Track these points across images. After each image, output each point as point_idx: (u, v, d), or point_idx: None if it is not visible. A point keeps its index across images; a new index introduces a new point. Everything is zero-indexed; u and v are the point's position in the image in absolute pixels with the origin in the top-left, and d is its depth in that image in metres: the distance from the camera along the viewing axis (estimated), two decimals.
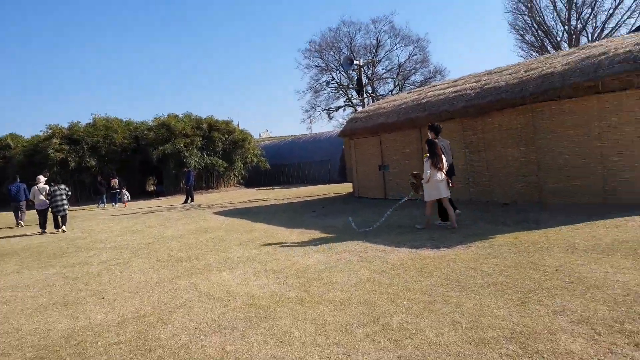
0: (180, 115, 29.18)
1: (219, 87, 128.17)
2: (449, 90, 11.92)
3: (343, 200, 15.48)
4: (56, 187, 13.33)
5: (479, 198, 10.91)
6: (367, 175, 15.00)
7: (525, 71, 9.78)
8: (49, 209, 13.47)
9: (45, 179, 14.68)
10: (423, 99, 12.60)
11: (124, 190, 22.33)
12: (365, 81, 22.06)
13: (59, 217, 13.28)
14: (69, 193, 13.73)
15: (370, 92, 36.49)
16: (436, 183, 8.05)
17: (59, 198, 13.14)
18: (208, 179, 28.48)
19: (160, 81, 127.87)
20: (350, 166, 23.41)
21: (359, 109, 37.80)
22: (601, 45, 8.66)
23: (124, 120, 30.26)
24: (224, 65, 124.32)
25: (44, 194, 13.69)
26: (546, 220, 7.80)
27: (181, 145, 26.24)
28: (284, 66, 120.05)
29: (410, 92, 15.08)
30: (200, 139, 27.63)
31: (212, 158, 27.75)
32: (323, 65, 41.29)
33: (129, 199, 22.80)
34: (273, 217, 12.38)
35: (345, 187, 20.40)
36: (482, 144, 10.66)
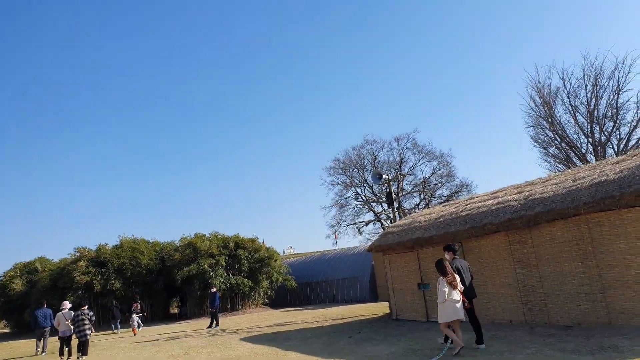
0: (207, 235, 29.05)
1: (244, 205, 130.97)
2: (490, 202, 11.41)
3: (380, 323, 14.28)
4: (79, 312, 13.14)
5: (534, 319, 9.79)
6: (405, 294, 13.97)
7: (573, 180, 9.30)
8: (73, 336, 13.25)
9: (70, 305, 14.36)
10: (462, 211, 12.07)
11: (134, 315, 20.83)
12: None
13: (83, 342, 12.96)
14: (93, 318, 13.49)
15: (396, 206, 36.29)
16: (453, 303, 7.71)
17: (81, 323, 12.91)
18: (233, 300, 27.37)
19: (188, 201, 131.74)
20: (383, 284, 22.29)
21: (387, 223, 37.45)
22: None
23: (151, 241, 30.26)
24: (249, 183, 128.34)
25: (69, 319, 13.34)
26: (628, 348, 6.70)
27: (206, 265, 25.70)
28: (307, 184, 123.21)
29: (446, 205, 14.62)
30: (226, 258, 27.11)
31: (238, 278, 26.92)
32: (347, 181, 41.89)
33: (141, 326, 21.49)
34: (305, 344, 11.29)
35: (379, 307, 19.12)
36: (533, 258, 9.83)
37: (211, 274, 25.63)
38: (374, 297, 25.20)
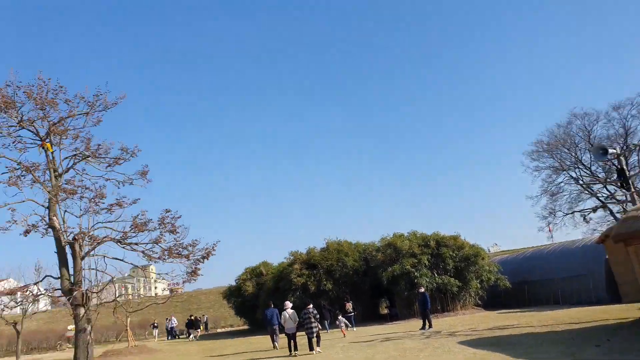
0: (406, 234, 28.52)
1: (440, 202, 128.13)
2: None
3: (634, 329, 11.50)
4: (306, 310, 14.33)
5: None
6: None
7: None
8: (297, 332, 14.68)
9: (292, 304, 15.95)
10: None
11: (340, 316, 21.29)
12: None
13: (311, 339, 14.18)
14: (317, 315, 14.66)
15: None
16: None
17: (307, 320, 14.03)
18: (442, 301, 26.10)
19: (383, 203, 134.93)
20: (626, 281, 18.37)
21: (616, 209, 31.47)
22: None
23: (353, 242, 31.17)
24: (444, 180, 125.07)
25: (293, 318, 14.80)
26: None
27: (409, 265, 25.07)
28: (506, 175, 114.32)
29: None
30: (429, 257, 26.04)
31: (444, 277, 25.56)
32: (556, 164, 36.72)
33: (349, 326, 21.81)
34: (539, 353, 9.59)
35: (624, 311, 15.73)
36: None
37: (415, 273, 24.89)
38: (613, 298, 21.03)
